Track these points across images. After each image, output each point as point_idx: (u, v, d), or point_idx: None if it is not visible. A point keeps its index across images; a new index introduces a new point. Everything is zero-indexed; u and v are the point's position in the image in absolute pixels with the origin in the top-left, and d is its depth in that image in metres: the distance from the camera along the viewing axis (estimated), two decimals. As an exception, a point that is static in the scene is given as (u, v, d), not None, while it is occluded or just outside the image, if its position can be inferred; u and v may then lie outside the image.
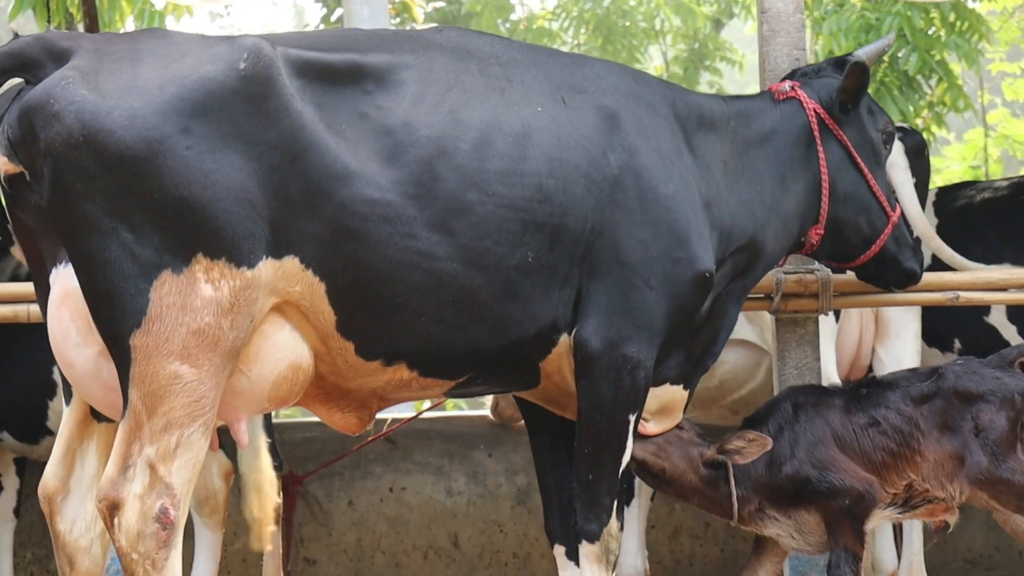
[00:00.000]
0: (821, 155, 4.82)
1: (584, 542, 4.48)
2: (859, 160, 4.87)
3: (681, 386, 4.70)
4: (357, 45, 4.17)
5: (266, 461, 6.20)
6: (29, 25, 16.75)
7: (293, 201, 3.86)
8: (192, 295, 3.74)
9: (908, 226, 5.11)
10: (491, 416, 7.84)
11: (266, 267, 3.85)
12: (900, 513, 4.83)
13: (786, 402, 4.87)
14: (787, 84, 4.94)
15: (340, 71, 4.04)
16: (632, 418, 4.45)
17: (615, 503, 4.50)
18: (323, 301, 3.97)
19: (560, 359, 4.36)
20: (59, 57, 3.83)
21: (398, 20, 14.35)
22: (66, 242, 3.79)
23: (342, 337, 4.04)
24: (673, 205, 4.41)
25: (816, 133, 4.83)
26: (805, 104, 4.86)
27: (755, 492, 4.75)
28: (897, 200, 5.03)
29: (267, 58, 3.88)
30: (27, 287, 5.06)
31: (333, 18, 14.49)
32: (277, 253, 3.87)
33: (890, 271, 5.06)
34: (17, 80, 3.88)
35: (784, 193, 4.78)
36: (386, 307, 4.03)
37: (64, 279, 3.86)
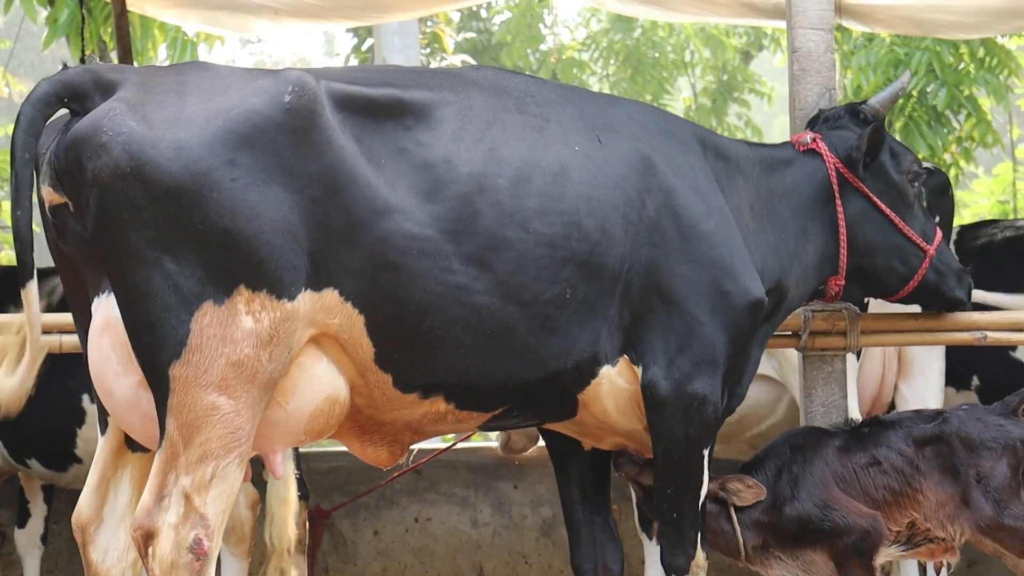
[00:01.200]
0: (840, 211, 4.87)
1: None
2: (883, 207, 4.92)
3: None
4: (398, 81, 4.21)
5: (293, 492, 6.23)
6: (62, 51, 16.88)
7: (334, 234, 3.89)
8: (233, 327, 3.76)
9: (953, 261, 5.13)
10: (500, 451, 7.82)
11: (305, 299, 3.88)
12: (903, 551, 4.84)
13: (784, 445, 4.89)
14: (808, 136, 4.99)
15: (381, 106, 4.08)
16: (706, 452, 4.54)
17: (699, 535, 4.58)
18: (362, 334, 4.00)
19: (599, 389, 4.41)
20: (106, 89, 3.87)
21: (428, 50, 14.40)
22: (109, 272, 3.81)
23: (380, 370, 4.07)
24: (716, 241, 4.48)
25: (836, 188, 4.88)
26: (826, 159, 4.91)
27: (758, 531, 4.77)
28: (936, 229, 5.06)
29: (311, 91, 3.91)
30: (60, 317, 5.09)
31: (364, 47, 14.54)
32: (316, 286, 3.90)
33: (934, 299, 5.16)
34: (62, 111, 3.92)
35: (805, 243, 4.85)
36: (425, 340, 4.06)
37: (106, 309, 3.89)
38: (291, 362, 3.93)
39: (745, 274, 4.52)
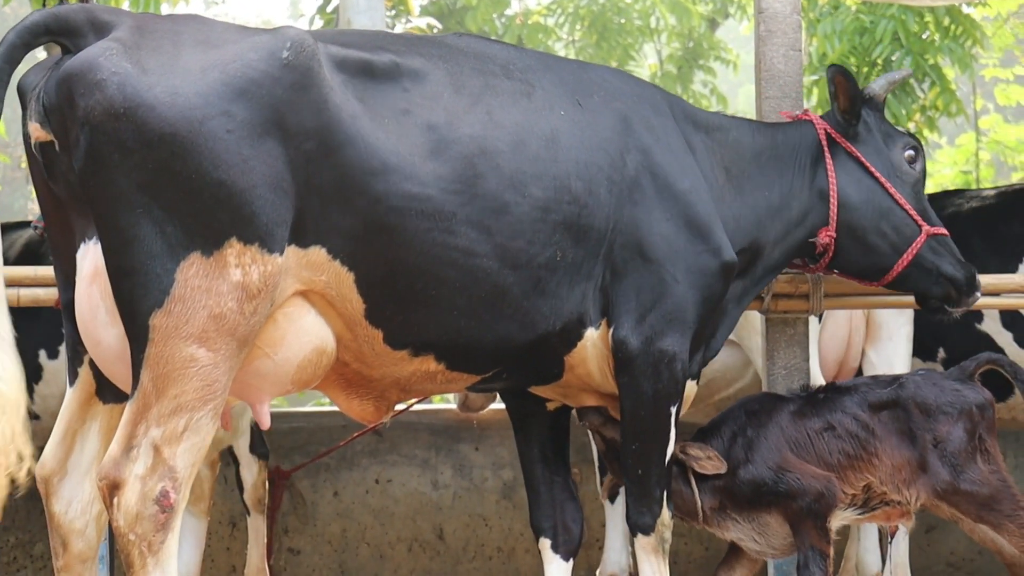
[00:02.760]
0: (829, 163, 4.90)
1: (639, 535, 4.60)
2: (874, 171, 4.93)
3: (695, 381, 4.80)
4: (391, 46, 4.22)
5: (244, 442, 6.26)
6: (23, 9, 16.71)
7: (325, 192, 3.89)
8: (219, 279, 3.74)
9: (959, 255, 5.04)
10: (458, 410, 7.80)
11: (290, 254, 3.87)
12: (859, 515, 4.87)
13: (739, 410, 4.92)
14: (799, 112, 5.12)
15: (379, 69, 4.09)
16: (673, 410, 4.56)
17: (664, 494, 4.59)
18: (352, 290, 4.00)
19: (585, 351, 4.45)
20: (100, 29, 3.82)
21: (393, 12, 14.31)
22: (96, 215, 3.77)
23: (370, 325, 4.08)
24: (691, 199, 4.53)
25: (824, 145, 4.93)
26: (816, 124, 4.98)
27: (714, 494, 4.79)
28: (929, 217, 5.03)
29: (309, 49, 3.90)
30: (19, 270, 5.04)
31: (329, 8, 14.42)
32: (303, 242, 3.89)
33: (931, 286, 5.00)
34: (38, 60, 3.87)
35: (791, 200, 4.88)
36: (419, 299, 4.08)
37: (96, 255, 3.85)
38: (279, 313, 3.93)
39: (717, 235, 4.56)
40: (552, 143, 4.29)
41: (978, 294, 5.03)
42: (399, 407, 7.84)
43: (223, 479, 7.27)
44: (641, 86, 4.78)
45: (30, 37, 3.81)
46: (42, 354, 6.44)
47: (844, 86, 4.92)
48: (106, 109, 3.67)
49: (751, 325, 6.06)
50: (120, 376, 3.96)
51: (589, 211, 4.31)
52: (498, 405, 7.50)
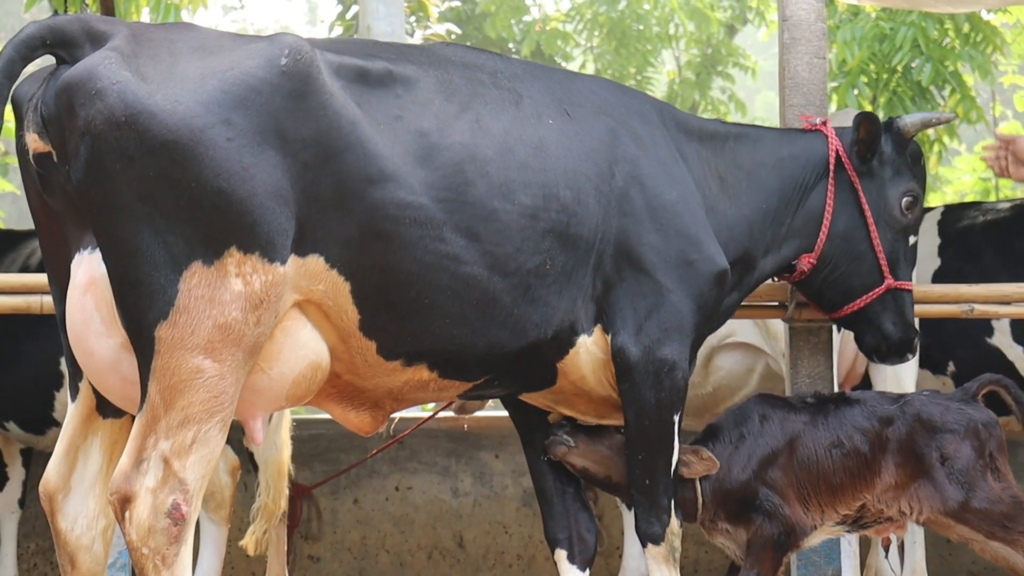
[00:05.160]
0: (831, 187, 4.87)
1: (650, 545, 4.58)
2: (867, 211, 4.89)
3: None
4: (382, 54, 4.21)
5: (286, 455, 6.21)
6: (44, 15, 16.76)
7: (324, 200, 3.86)
8: (222, 288, 3.71)
9: (910, 317, 5.00)
10: (454, 411, 7.76)
11: (291, 264, 3.84)
12: (848, 531, 4.87)
13: (753, 412, 4.87)
14: (819, 119, 5.04)
15: (373, 75, 4.07)
16: (676, 418, 4.54)
17: (672, 503, 4.58)
18: (347, 300, 3.97)
19: (578, 357, 4.43)
20: (97, 39, 3.79)
21: (413, 18, 14.33)
22: (96, 226, 3.74)
23: (364, 336, 4.04)
24: (680, 210, 4.52)
25: (832, 167, 4.88)
26: (830, 140, 4.92)
27: (713, 497, 4.77)
28: (908, 275, 4.99)
29: (307, 56, 3.88)
30: (40, 278, 5.04)
31: (349, 15, 14.46)
32: (302, 251, 3.86)
33: (870, 331, 4.98)
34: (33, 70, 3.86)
35: (787, 215, 4.85)
36: (411, 308, 4.05)
37: (90, 265, 3.81)
38: (276, 327, 3.89)
39: (710, 244, 4.55)
40: (540, 151, 4.27)
41: (909, 357, 5.02)
42: (422, 415, 7.87)
43: (243, 486, 7.26)
44: (629, 96, 4.77)
45: (27, 51, 3.78)
46: (62, 361, 6.44)
47: (870, 133, 4.87)
48: (107, 118, 3.64)
49: (773, 332, 6.04)
50: (112, 389, 3.93)
51: (578, 220, 4.30)
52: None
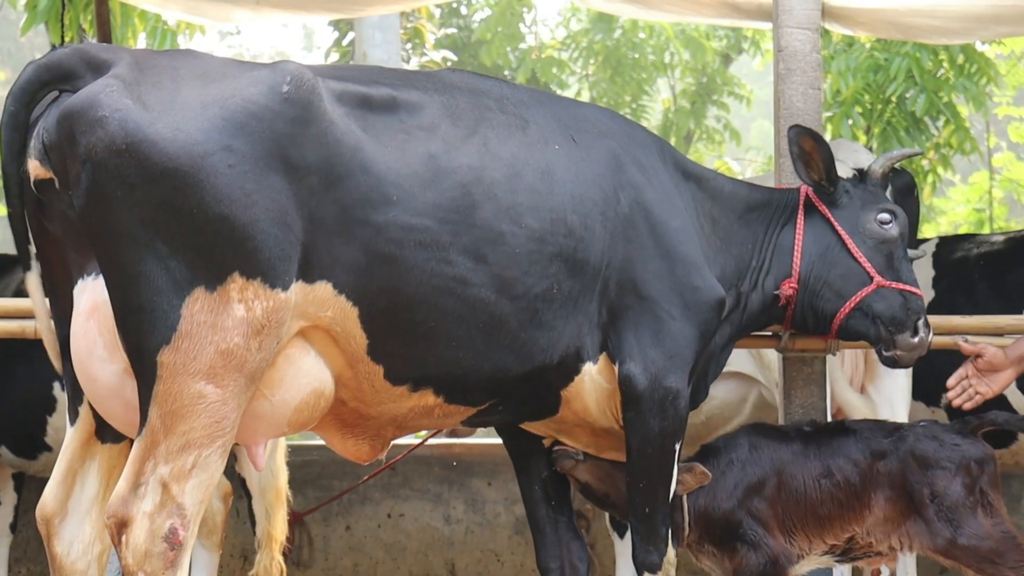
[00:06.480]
0: (800, 219, 4.87)
1: (646, 574, 4.58)
2: (837, 226, 4.87)
3: None
4: (385, 80, 4.22)
5: (283, 480, 6.21)
6: (40, 39, 16.78)
7: (329, 226, 3.87)
8: (224, 314, 3.71)
9: (914, 307, 4.91)
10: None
11: (297, 290, 3.84)
12: (837, 561, 4.86)
13: (744, 440, 4.87)
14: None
15: (377, 101, 4.09)
16: (677, 447, 4.54)
17: (669, 532, 4.59)
18: (356, 326, 3.98)
19: (582, 385, 4.44)
20: (97, 68, 3.81)
21: (409, 45, 14.36)
22: (99, 252, 3.75)
23: (372, 361, 4.05)
24: (683, 238, 4.54)
25: (801, 205, 4.90)
26: (803, 190, 4.93)
27: (698, 520, 4.78)
28: (901, 278, 4.92)
29: (309, 83, 3.90)
30: (30, 303, 5.03)
31: (345, 42, 14.48)
32: (309, 277, 3.87)
33: (874, 326, 4.84)
34: None
35: (765, 253, 4.86)
36: (419, 332, 4.05)
37: (93, 292, 3.82)
38: (279, 353, 3.89)
39: (708, 273, 4.58)
40: (547, 176, 4.28)
41: (917, 339, 4.83)
42: (413, 442, 7.86)
43: (234, 512, 7.24)
44: (632, 127, 4.79)
45: (27, 97, 3.80)
46: (56, 386, 6.44)
47: (816, 152, 4.86)
48: (108, 146, 3.65)
49: (767, 363, 6.04)
50: (115, 414, 3.93)
51: (585, 245, 4.31)
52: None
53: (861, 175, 5.01)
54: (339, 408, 4.16)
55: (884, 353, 4.88)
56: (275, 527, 6.20)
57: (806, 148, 4.87)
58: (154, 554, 3.66)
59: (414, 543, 7.88)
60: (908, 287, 4.86)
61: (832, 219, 4.89)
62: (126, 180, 3.66)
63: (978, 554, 4.70)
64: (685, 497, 4.74)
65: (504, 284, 4.14)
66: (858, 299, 4.83)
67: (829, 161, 4.88)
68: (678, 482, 4.68)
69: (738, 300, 4.82)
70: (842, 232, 4.87)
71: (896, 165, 5.28)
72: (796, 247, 4.86)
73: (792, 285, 4.85)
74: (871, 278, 4.85)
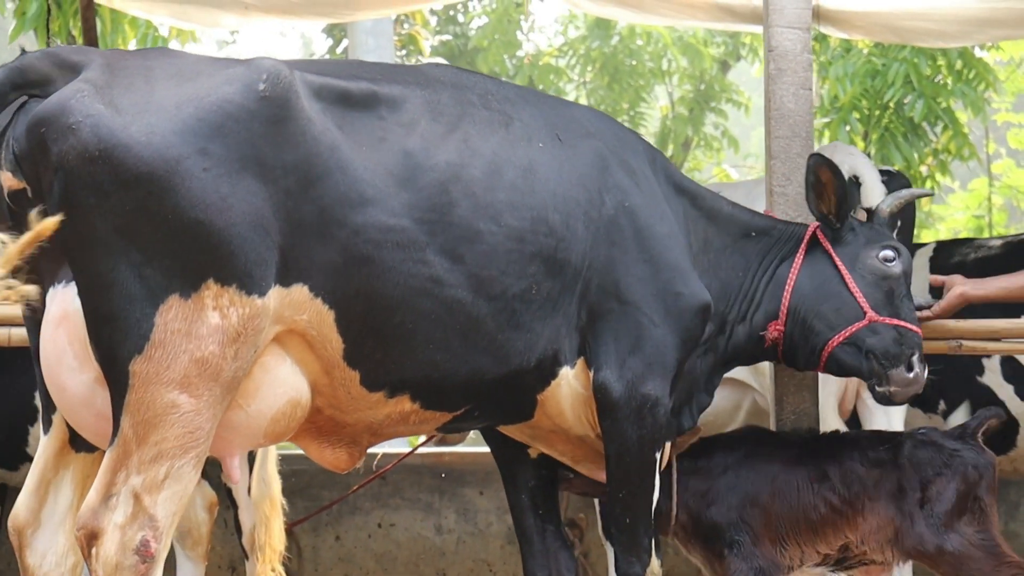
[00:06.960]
0: (799, 257, 4.79)
1: None
2: (836, 260, 4.79)
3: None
4: (366, 74, 4.15)
5: (277, 489, 6.14)
6: (29, 46, 16.76)
7: (306, 227, 3.80)
8: (198, 322, 3.65)
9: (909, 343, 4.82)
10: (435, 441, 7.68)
11: (274, 295, 3.77)
12: (831, 571, 4.83)
13: (741, 444, 4.88)
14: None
15: (356, 97, 4.01)
16: (657, 456, 4.49)
17: (652, 542, 4.54)
18: (332, 330, 3.91)
19: (559, 390, 4.37)
20: (69, 71, 3.75)
21: (404, 52, 14.33)
22: (71, 260, 3.69)
23: (348, 366, 3.98)
24: (669, 243, 4.47)
25: (805, 241, 4.83)
26: (811, 227, 4.87)
27: (687, 514, 4.77)
28: (899, 315, 4.83)
29: (286, 80, 3.82)
30: (10, 310, 4.96)
31: (339, 49, 14.47)
32: (285, 281, 3.80)
33: (866, 360, 4.74)
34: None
35: (758, 285, 4.78)
36: (396, 335, 3.99)
37: (63, 299, 3.76)
38: (254, 363, 3.82)
39: (693, 279, 4.51)
40: (529, 174, 4.21)
41: (912, 375, 4.75)
42: (403, 450, 7.79)
43: (222, 523, 7.17)
44: (623, 131, 4.73)
45: None
46: (37, 396, 6.36)
47: (831, 184, 4.77)
48: (80, 153, 3.58)
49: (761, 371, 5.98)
50: (85, 424, 3.87)
51: (566, 245, 4.24)
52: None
53: (869, 214, 4.96)
54: (315, 416, 4.09)
55: (877, 389, 4.79)
56: (273, 537, 6.13)
57: (822, 179, 4.79)
58: (125, 567, 3.60)
59: (405, 553, 7.82)
60: (905, 323, 4.78)
61: (833, 253, 4.82)
62: (100, 187, 3.60)
63: (954, 561, 4.68)
64: (675, 489, 4.70)
65: (481, 284, 4.07)
66: (849, 332, 4.75)
67: (843, 196, 4.79)
68: (676, 447, 4.64)
69: (722, 327, 4.74)
70: (840, 266, 4.80)
71: (892, 168, 5.24)
72: (788, 285, 4.77)
73: (778, 328, 4.76)
74: (864, 313, 4.76)
